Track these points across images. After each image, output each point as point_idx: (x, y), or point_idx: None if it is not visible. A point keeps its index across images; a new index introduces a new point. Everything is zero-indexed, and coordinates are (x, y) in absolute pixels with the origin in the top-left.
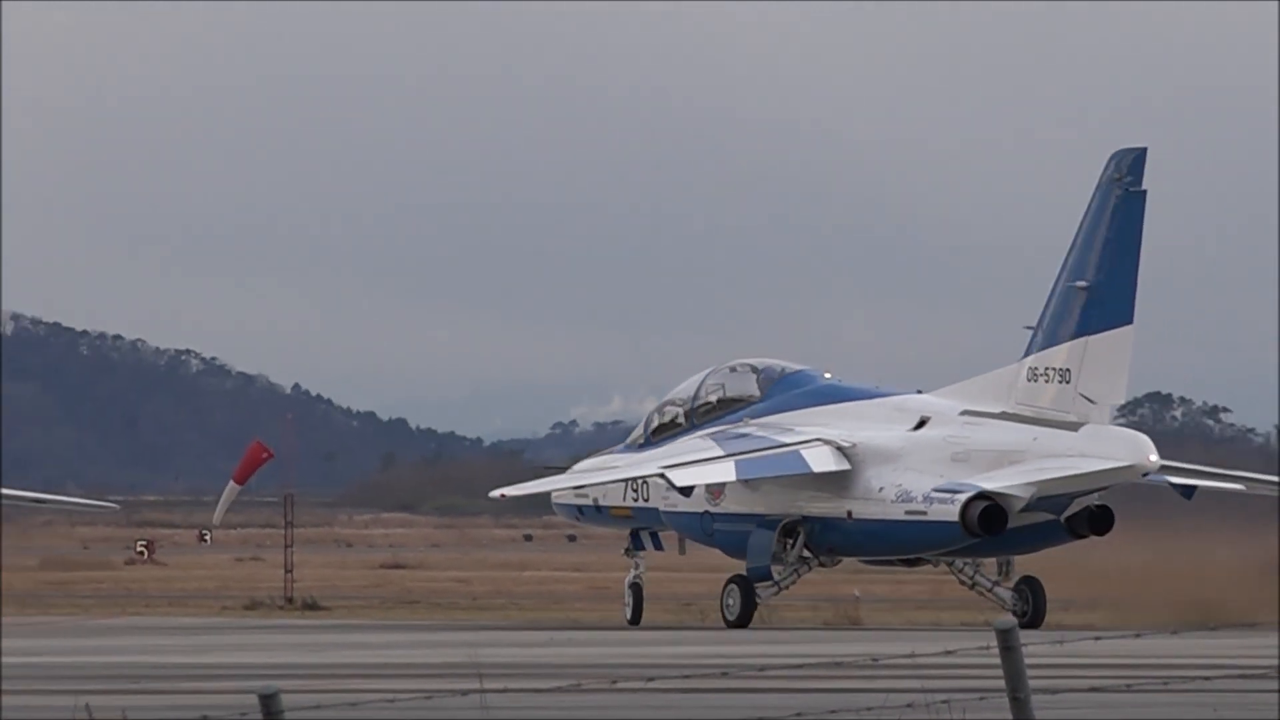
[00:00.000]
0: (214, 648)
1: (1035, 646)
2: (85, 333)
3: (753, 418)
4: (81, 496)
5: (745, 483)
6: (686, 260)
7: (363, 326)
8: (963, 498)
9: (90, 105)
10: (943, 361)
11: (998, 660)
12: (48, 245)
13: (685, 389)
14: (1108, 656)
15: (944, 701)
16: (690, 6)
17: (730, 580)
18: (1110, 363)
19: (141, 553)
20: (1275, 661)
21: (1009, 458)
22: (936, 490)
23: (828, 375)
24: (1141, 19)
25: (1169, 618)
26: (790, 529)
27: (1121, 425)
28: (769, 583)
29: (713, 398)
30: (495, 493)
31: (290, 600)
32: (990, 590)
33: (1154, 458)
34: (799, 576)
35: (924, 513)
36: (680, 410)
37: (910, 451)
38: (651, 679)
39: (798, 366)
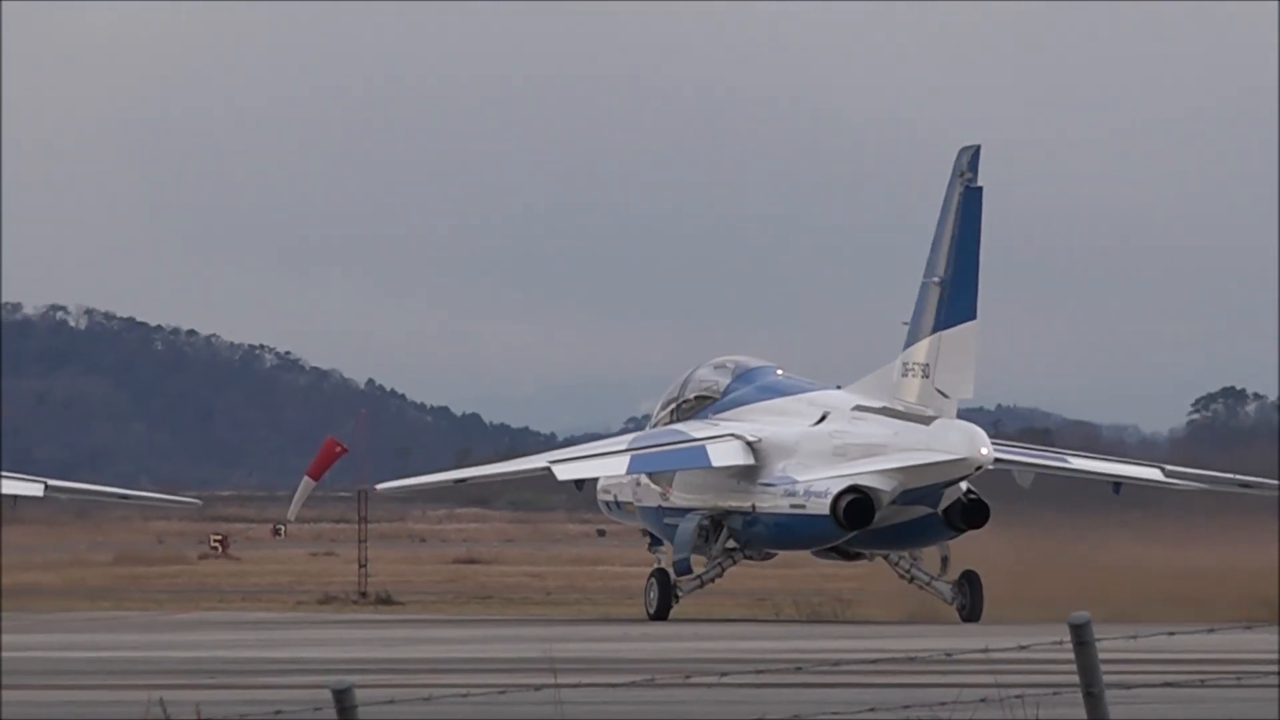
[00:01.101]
0: (287, 642)
1: (1108, 642)
2: (159, 328)
3: (715, 413)
4: (155, 491)
5: (677, 477)
6: (756, 257)
7: (436, 322)
8: (834, 491)
9: (168, 103)
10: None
11: (1071, 655)
12: (122, 240)
13: (675, 385)
14: (1181, 652)
15: (1018, 697)
16: (786, 6)
17: (651, 573)
18: (959, 358)
19: (216, 547)
20: None
21: (873, 451)
22: (807, 483)
23: (779, 372)
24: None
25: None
26: (717, 523)
27: (1194, 420)
28: (690, 576)
29: (693, 394)
30: (380, 487)
31: (364, 595)
32: (929, 584)
33: (985, 450)
34: (723, 570)
35: (804, 506)
36: (672, 406)
37: (803, 446)
38: (725, 674)
39: (758, 363)
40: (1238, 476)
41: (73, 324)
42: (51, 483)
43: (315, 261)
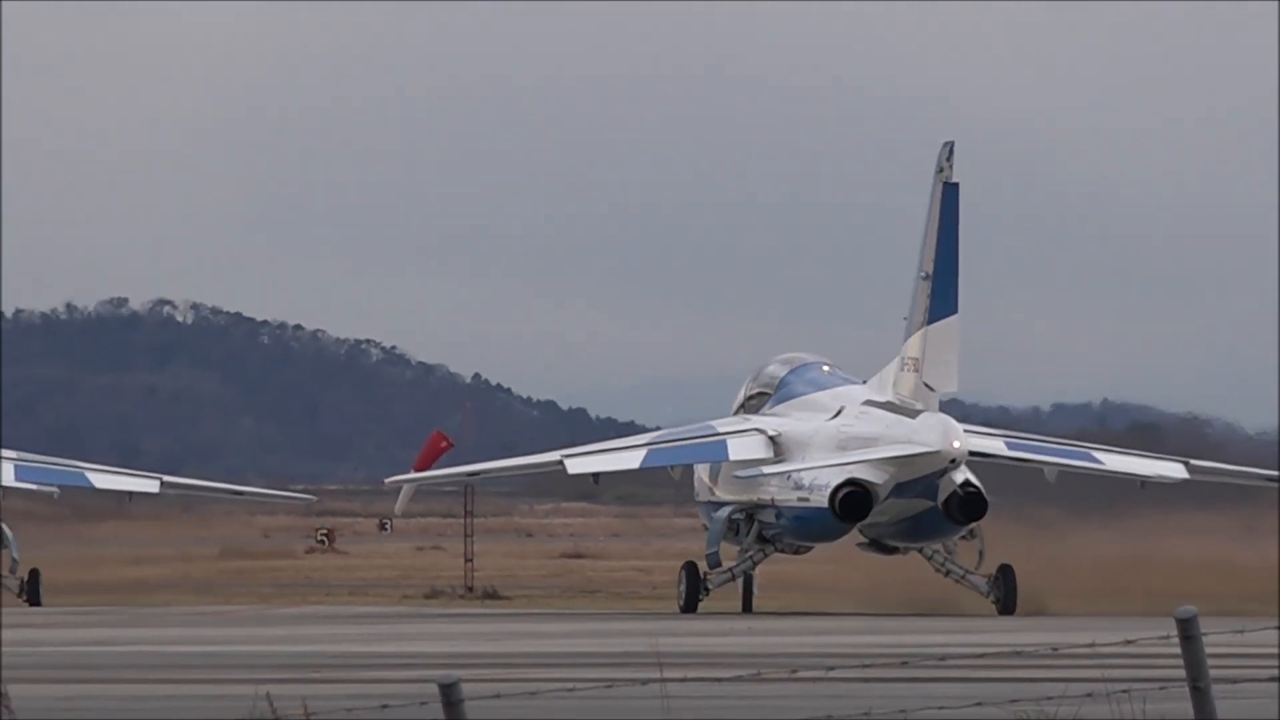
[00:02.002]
0: (394, 637)
1: (1215, 636)
2: (266, 322)
3: (772, 406)
4: (263, 485)
5: (721, 470)
6: (861, 251)
7: (543, 316)
8: (833, 483)
9: (276, 102)
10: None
11: (1178, 650)
12: (229, 236)
13: (747, 381)
14: None
15: (1124, 691)
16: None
17: (682, 566)
18: (943, 352)
19: (322, 541)
20: None
21: (867, 445)
22: (812, 477)
23: (825, 368)
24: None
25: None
26: (749, 516)
27: None
28: (721, 569)
29: (756, 390)
30: (389, 480)
31: (470, 589)
32: (964, 578)
33: (958, 444)
34: (754, 564)
35: (808, 499)
36: (743, 401)
37: (814, 440)
38: (831, 668)
39: (811, 358)
40: (1259, 471)
41: (180, 319)
42: (167, 479)
43: (421, 256)
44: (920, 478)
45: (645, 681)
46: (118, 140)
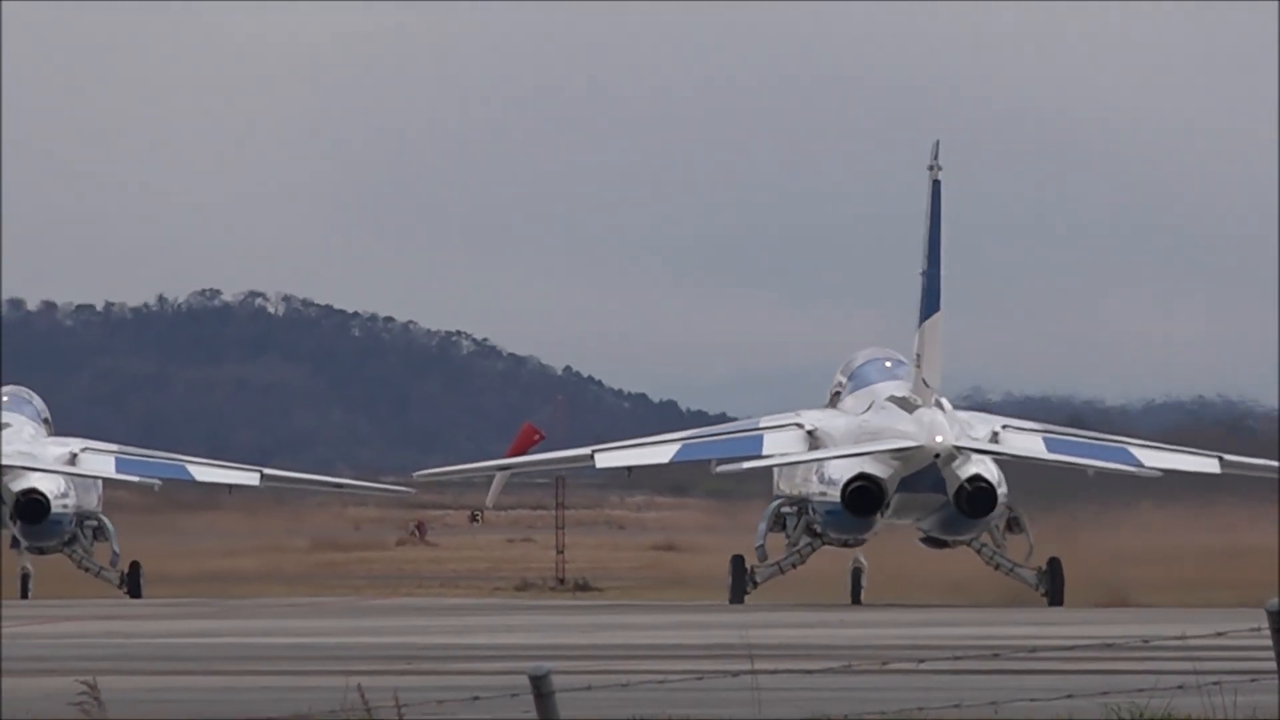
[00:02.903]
0: (485, 628)
1: None
2: (357, 314)
3: (842, 399)
4: (353, 478)
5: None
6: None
7: (635, 307)
8: (846, 478)
9: (367, 94)
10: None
11: (1269, 642)
12: (320, 228)
13: (837, 373)
14: None
15: (1215, 684)
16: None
17: (730, 559)
18: (931, 349)
19: (413, 534)
20: None
21: (874, 438)
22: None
23: (888, 363)
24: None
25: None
26: (799, 510)
27: None
28: (769, 562)
29: (836, 384)
30: (418, 474)
31: (562, 581)
32: (1012, 570)
33: (940, 438)
34: (802, 558)
35: (826, 493)
36: (830, 393)
37: (840, 435)
38: (922, 660)
39: (882, 354)
40: (1273, 464)
41: (271, 311)
42: (267, 471)
43: (513, 248)
44: (921, 472)
45: (736, 674)
46: (210, 133)
